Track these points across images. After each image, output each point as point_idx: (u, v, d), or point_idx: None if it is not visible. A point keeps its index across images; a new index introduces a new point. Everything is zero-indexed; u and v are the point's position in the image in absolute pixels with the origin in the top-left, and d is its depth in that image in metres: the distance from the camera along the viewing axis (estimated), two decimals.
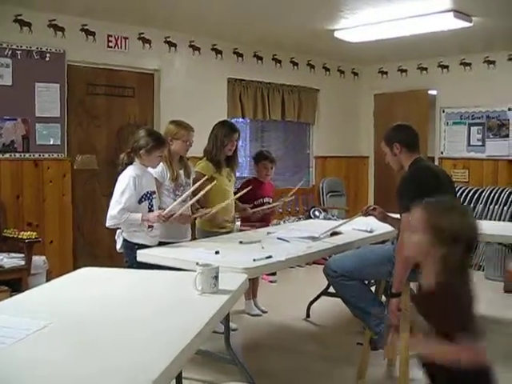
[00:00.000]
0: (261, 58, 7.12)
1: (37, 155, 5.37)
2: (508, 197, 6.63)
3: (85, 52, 5.62)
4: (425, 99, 7.85)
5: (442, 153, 7.68)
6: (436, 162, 7.76)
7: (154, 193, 3.76)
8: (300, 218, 7.37)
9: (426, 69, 7.76)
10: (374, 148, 8.47)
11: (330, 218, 7.60)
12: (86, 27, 5.60)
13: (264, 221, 4.99)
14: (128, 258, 3.68)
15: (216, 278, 2.52)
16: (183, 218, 4.10)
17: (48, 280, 5.01)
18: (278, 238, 4.04)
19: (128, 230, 3.66)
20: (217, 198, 4.50)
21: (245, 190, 4.49)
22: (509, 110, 7.03)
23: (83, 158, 5.79)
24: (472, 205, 6.87)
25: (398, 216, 3.95)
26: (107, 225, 3.63)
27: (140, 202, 3.64)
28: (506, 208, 6.58)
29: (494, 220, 6.57)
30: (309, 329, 4.86)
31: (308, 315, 5.05)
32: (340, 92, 8.18)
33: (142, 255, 3.53)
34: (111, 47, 5.81)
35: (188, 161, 4.35)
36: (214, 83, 6.66)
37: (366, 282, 3.93)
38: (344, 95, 8.24)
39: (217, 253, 3.42)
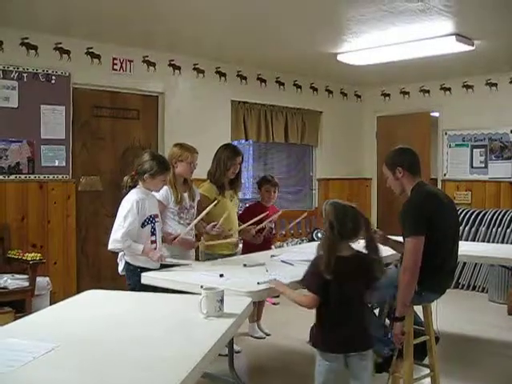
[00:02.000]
0: (264, 81, 7.18)
1: (42, 177, 5.41)
2: (511, 219, 6.63)
3: (90, 75, 5.68)
4: (427, 121, 7.91)
5: (444, 175, 7.70)
6: (439, 184, 7.78)
7: (157, 216, 3.77)
8: (303, 240, 7.38)
9: (428, 91, 7.82)
10: (377, 170, 8.50)
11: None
12: (91, 50, 5.67)
13: (266, 245, 5.00)
14: (130, 281, 3.68)
15: (221, 301, 2.52)
16: (187, 243, 4.13)
17: (52, 301, 5.03)
18: (282, 261, 4.04)
19: (130, 253, 3.66)
20: (222, 220, 4.53)
21: (256, 218, 4.52)
22: (511, 132, 7.07)
23: (87, 179, 5.82)
24: (475, 227, 6.88)
25: (399, 239, 3.97)
26: (109, 248, 3.63)
27: (143, 225, 3.65)
28: (508, 230, 6.58)
29: (497, 242, 6.57)
30: (312, 351, 4.81)
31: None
32: (343, 114, 8.23)
33: (145, 278, 3.53)
34: (116, 70, 5.87)
35: (192, 183, 4.36)
36: (217, 106, 6.72)
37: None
38: (347, 117, 8.30)
39: (221, 276, 3.42)
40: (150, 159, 3.70)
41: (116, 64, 5.86)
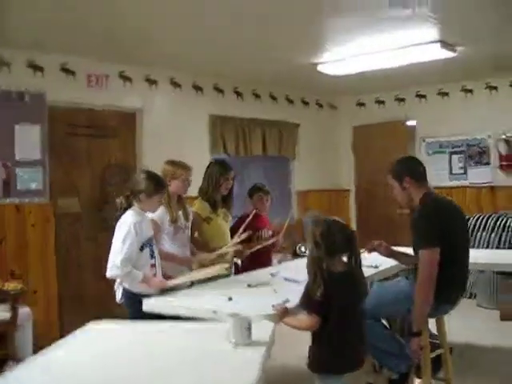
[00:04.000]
0: (241, 94, 7.03)
1: (18, 200, 5.12)
2: (495, 223, 6.62)
3: (65, 92, 5.42)
4: (404, 130, 7.85)
5: None
6: None
7: (153, 238, 3.57)
8: (286, 255, 7.22)
9: (403, 99, 7.81)
10: (355, 181, 8.45)
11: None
12: (66, 66, 5.43)
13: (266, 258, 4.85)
14: (131, 310, 3.45)
15: (249, 328, 2.35)
16: (184, 260, 3.96)
17: (34, 333, 4.74)
18: (286, 279, 3.87)
19: (129, 280, 3.44)
20: (215, 239, 4.36)
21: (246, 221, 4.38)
22: (489, 137, 7.10)
23: (65, 201, 5.55)
24: None
25: (403, 250, 3.87)
26: (108, 275, 3.41)
27: (141, 249, 3.43)
28: (493, 235, 6.57)
29: (482, 247, 6.54)
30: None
31: None
32: (319, 125, 8.16)
33: (147, 305, 3.30)
34: (92, 86, 5.63)
35: (186, 202, 4.17)
36: (195, 120, 6.55)
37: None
38: (323, 128, 8.23)
39: (230, 299, 3.24)
40: (146, 178, 3.50)
41: (91, 80, 5.63)
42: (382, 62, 5.78)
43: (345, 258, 2.84)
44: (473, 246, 6.51)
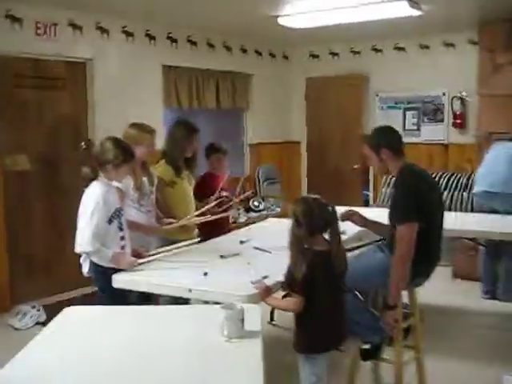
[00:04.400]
0: (195, 43, 6.74)
1: None
2: (447, 182, 6.72)
3: (11, 41, 5.01)
4: (360, 83, 7.76)
5: None
6: None
7: (122, 209, 3.39)
8: (239, 209, 7.13)
9: (358, 52, 7.70)
10: (307, 133, 8.36)
11: (269, 208, 7.48)
12: (10, 13, 5.00)
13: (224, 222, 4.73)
14: (100, 284, 3.30)
15: (243, 320, 2.26)
16: (150, 229, 3.81)
17: None
18: (256, 248, 3.79)
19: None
20: (180, 203, 4.21)
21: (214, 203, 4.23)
22: (443, 94, 7.12)
23: (13, 158, 5.22)
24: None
25: (376, 220, 3.82)
26: (77, 251, 3.23)
27: (110, 221, 3.25)
28: (445, 192, 6.67)
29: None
30: (274, 333, 4.66)
31: (272, 318, 4.85)
32: (272, 76, 7.97)
33: (118, 281, 3.15)
34: (39, 35, 5.22)
35: (150, 167, 3.98)
36: (148, 71, 6.25)
37: None
38: (276, 80, 8.05)
39: (205, 274, 3.13)
40: (114, 147, 3.27)
41: (39, 28, 5.21)
42: (346, 16, 5.61)
43: (326, 236, 2.78)
44: None
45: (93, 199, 3.19)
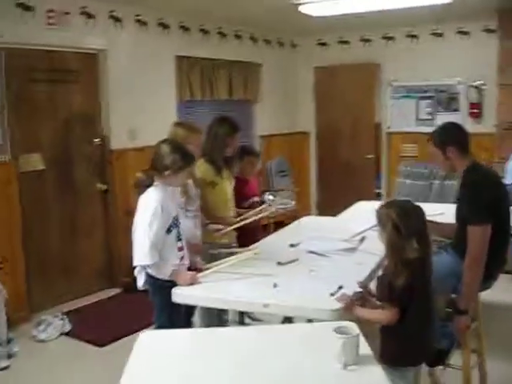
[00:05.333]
0: (207, 32, 6.46)
1: None
2: None
3: (22, 31, 4.68)
4: (371, 72, 7.56)
5: (388, 127, 7.52)
6: (384, 137, 7.60)
7: (178, 217, 3.14)
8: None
9: (369, 40, 7.48)
10: (315, 123, 8.15)
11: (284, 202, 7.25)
12: (21, 1, 4.66)
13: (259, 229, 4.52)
14: (157, 298, 3.06)
15: (358, 345, 2.06)
16: (196, 247, 3.53)
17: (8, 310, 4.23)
18: (311, 252, 3.58)
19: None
20: (220, 204, 3.98)
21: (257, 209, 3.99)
22: (458, 83, 6.96)
23: (27, 158, 4.91)
24: (429, 181, 6.78)
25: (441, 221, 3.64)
26: (136, 264, 2.99)
27: (169, 231, 3.01)
28: None
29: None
30: None
31: None
32: (281, 66, 7.75)
33: (178, 296, 2.90)
34: (51, 24, 4.90)
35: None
36: (162, 62, 5.96)
37: None
38: (285, 69, 7.83)
39: (275, 286, 2.91)
40: (172, 152, 3.01)
41: (51, 17, 4.88)
42: (370, 4, 5.39)
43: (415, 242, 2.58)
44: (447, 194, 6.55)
45: (151, 207, 2.94)
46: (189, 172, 3.18)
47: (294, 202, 7.06)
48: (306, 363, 2.07)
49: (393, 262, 2.51)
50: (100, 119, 5.48)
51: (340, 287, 2.84)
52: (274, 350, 2.21)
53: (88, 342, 4.36)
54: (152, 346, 2.30)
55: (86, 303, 5.17)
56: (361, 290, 2.80)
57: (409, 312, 2.50)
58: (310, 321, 2.73)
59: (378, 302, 2.71)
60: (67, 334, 4.53)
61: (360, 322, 2.49)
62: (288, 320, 3.38)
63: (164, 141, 3.11)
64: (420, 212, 2.58)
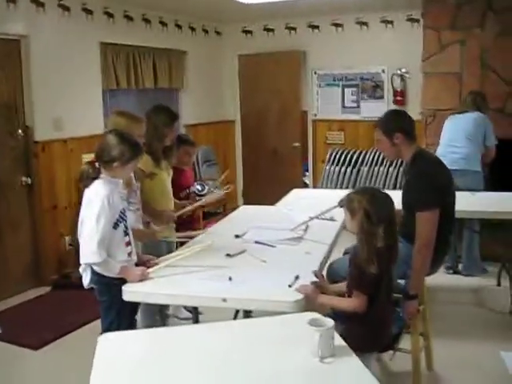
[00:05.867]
0: (131, 19, 6.24)
1: None
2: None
3: None
4: (296, 60, 7.58)
5: (315, 115, 7.59)
6: (309, 125, 7.67)
7: (125, 210, 3.01)
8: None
9: (294, 29, 7.50)
10: (240, 111, 8.11)
11: (212, 191, 7.17)
12: None
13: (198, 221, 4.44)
14: (106, 297, 2.91)
15: (334, 337, 2.04)
16: (145, 234, 3.44)
17: None
18: (257, 242, 3.53)
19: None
20: (160, 197, 3.86)
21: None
22: (383, 71, 7.12)
23: None
24: (357, 167, 6.91)
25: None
26: (84, 262, 2.82)
27: (116, 226, 2.86)
28: (391, 169, 6.71)
29: (380, 182, 6.67)
30: None
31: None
32: (205, 54, 7.62)
33: (130, 294, 2.78)
34: None
35: None
36: (86, 49, 5.71)
37: None
38: (209, 57, 7.71)
39: (230, 279, 2.84)
40: (119, 142, 2.86)
41: None
42: None
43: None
44: (371, 181, 6.71)
45: (98, 201, 2.78)
46: (135, 164, 3.04)
47: (221, 192, 7.06)
48: (280, 359, 2.03)
49: (365, 249, 2.51)
50: (23, 109, 5.18)
51: (297, 277, 2.82)
52: (246, 347, 2.16)
53: (22, 345, 4.12)
54: (113, 350, 2.17)
55: (15, 303, 4.89)
56: (317, 279, 2.80)
57: (376, 299, 2.53)
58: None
59: (337, 289, 2.73)
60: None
61: (321, 311, 2.48)
62: (238, 313, 3.34)
63: (111, 131, 2.96)
64: (389, 200, 2.61)
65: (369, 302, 2.52)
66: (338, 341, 2.10)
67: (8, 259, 5.09)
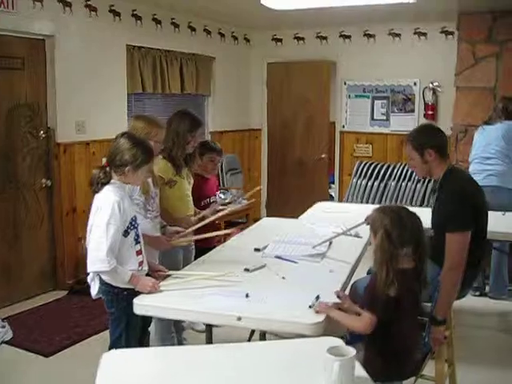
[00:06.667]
0: (159, 22, 6.16)
1: None
2: None
3: None
4: (325, 70, 7.43)
5: (343, 126, 7.41)
6: (337, 136, 7.50)
7: (136, 218, 2.88)
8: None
9: (325, 38, 7.35)
10: (267, 120, 7.97)
11: (235, 200, 7.04)
12: None
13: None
14: (114, 309, 2.79)
15: (354, 367, 1.87)
16: (158, 242, 3.30)
17: None
18: (278, 257, 3.38)
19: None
20: (179, 205, 3.74)
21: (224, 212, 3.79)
22: (414, 84, 6.93)
23: None
24: (384, 181, 6.72)
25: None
26: (92, 270, 2.70)
27: (126, 233, 2.74)
28: (419, 185, 6.51)
29: (408, 197, 6.48)
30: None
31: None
32: (234, 60, 7.53)
33: (140, 307, 2.64)
34: None
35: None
36: (112, 51, 5.63)
37: None
38: (238, 64, 7.61)
39: (247, 296, 2.69)
40: (131, 146, 2.74)
41: None
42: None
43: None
44: (398, 196, 6.51)
45: (107, 208, 2.66)
46: (149, 169, 2.91)
47: (245, 201, 6.93)
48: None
49: (384, 270, 2.35)
50: (46, 110, 5.11)
51: (317, 297, 2.65)
52: (258, 374, 1.99)
53: (32, 351, 4.01)
54: (117, 368, 2.03)
55: (29, 307, 4.79)
56: (339, 300, 2.64)
57: (397, 326, 2.36)
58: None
59: (359, 310, 2.57)
60: (7, 342, 4.17)
61: (337, 330, 2.34)
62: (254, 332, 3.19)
63: (123, 134, 2.84)
64: (415, 219, 2.44)
65: (390, 327, 2.35)
66: (358, 370, 1.94)
67: (25, 261, 5.01)
